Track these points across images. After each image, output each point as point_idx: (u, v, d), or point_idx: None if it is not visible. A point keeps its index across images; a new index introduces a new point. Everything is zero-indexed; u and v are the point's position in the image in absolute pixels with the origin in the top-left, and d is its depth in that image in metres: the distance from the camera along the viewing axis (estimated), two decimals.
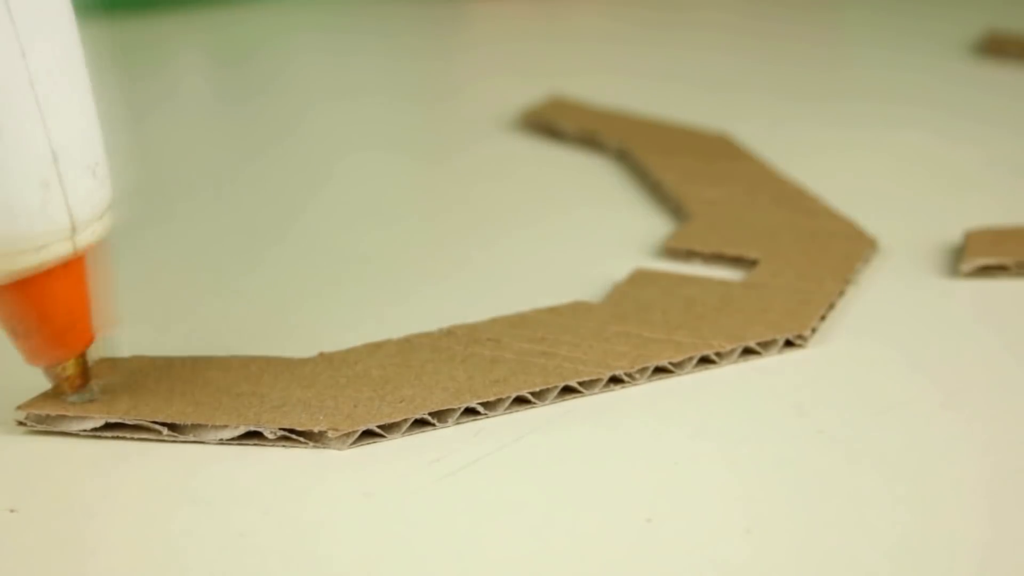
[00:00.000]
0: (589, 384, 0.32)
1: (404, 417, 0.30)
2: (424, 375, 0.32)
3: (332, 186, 0.48)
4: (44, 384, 0.31)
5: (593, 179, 0.48)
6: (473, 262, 0.41)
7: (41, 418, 0.31)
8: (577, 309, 0.35)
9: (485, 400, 0.31)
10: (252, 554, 0.26)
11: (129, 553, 0.26)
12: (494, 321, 0.34)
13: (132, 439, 0.30)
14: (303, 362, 0.32)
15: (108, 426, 0.30)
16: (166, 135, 0.55)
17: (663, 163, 0.47)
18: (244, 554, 0.26)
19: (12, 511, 0.28)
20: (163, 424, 0.30)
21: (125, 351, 0.33)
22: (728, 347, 0.33)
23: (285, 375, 0.32)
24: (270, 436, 0.30)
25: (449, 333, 0.34)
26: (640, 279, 0.37)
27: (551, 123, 0.52)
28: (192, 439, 0.30)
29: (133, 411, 0.30)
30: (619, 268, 0.38)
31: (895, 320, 0.36)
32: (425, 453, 0.30)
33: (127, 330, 0.36)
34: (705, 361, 0.33)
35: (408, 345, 0.33)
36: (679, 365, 0.33)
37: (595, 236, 0.42)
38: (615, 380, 0.32)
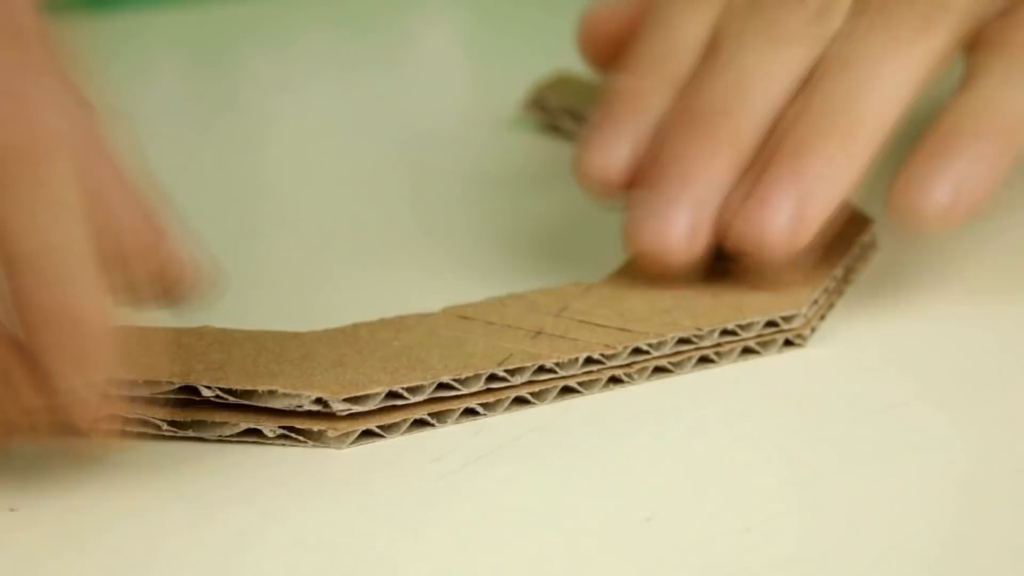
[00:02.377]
0: (588, 384, 0.32)
1: (404, 417, 0.30)
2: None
3: (329, 176, 0.48)
4: None
5: None
6: (471, 257, 0.41)
7: None
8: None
9: (485, 401, 0.31)
10: (252, 553, 0.26)
11: (129, 552, 0.26)
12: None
13: (131, 431, 0.30)
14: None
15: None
16: (165, 128, 0.55)
17: None
18: (244, 553, 0.26)
19: (12, 510, 0.28)
20: (162, 419, 0.30)
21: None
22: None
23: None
24: (269, 434, 0.30)
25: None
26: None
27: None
28: (191, 434, 0.30)
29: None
30: (616, 261, 0.38)
31: (894, 319, 0.36)
32: (425, 452, 0.30)
33: None
34: (704, 360, 0.33)
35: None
36: (678, 365, 0.33)
37: (594, 229, 0.42)
38: (614, 380, 0.32)
